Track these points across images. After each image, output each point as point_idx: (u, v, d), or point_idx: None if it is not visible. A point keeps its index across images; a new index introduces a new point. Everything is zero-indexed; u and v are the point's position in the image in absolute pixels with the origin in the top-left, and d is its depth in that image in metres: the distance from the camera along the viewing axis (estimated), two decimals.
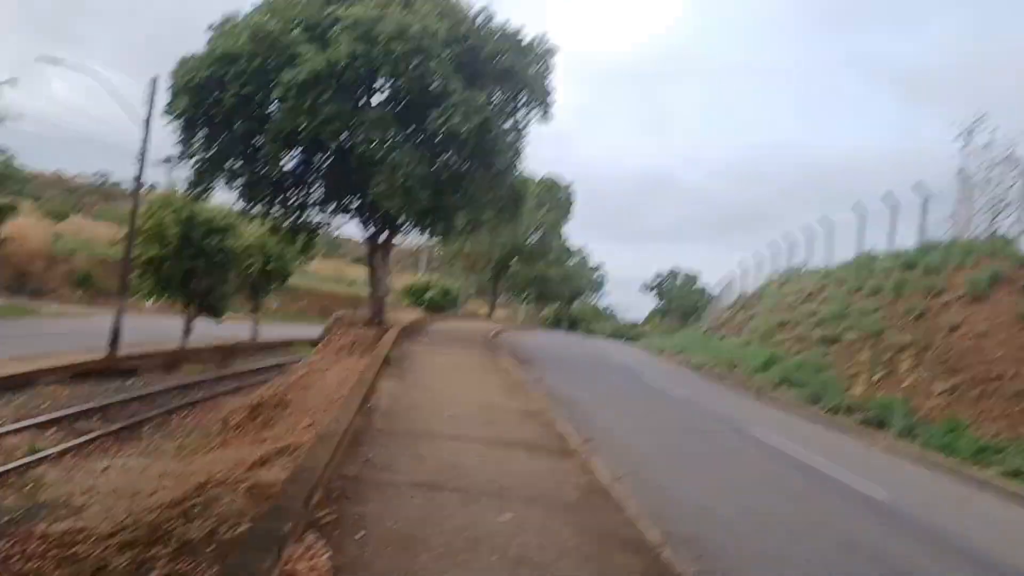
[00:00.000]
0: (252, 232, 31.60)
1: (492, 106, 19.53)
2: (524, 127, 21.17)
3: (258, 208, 21.33)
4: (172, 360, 27.54)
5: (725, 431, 13.41)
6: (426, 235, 24.96)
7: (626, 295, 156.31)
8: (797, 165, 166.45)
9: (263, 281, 38.47)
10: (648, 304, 78.33)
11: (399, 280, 76.73)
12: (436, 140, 19.51)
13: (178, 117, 19.32)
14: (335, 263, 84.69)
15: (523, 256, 53.07)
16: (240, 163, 19.94)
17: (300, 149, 19.91)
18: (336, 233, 23.94)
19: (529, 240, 52.20)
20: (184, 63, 19.06)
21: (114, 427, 16.20)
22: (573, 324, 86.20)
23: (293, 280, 67.97)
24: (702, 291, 64.44)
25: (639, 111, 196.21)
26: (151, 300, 29.72)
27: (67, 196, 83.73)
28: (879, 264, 26.44)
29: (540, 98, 20.37)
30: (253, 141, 19.44)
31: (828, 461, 11.45)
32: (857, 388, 19.20)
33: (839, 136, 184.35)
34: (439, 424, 9.20)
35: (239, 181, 20.29)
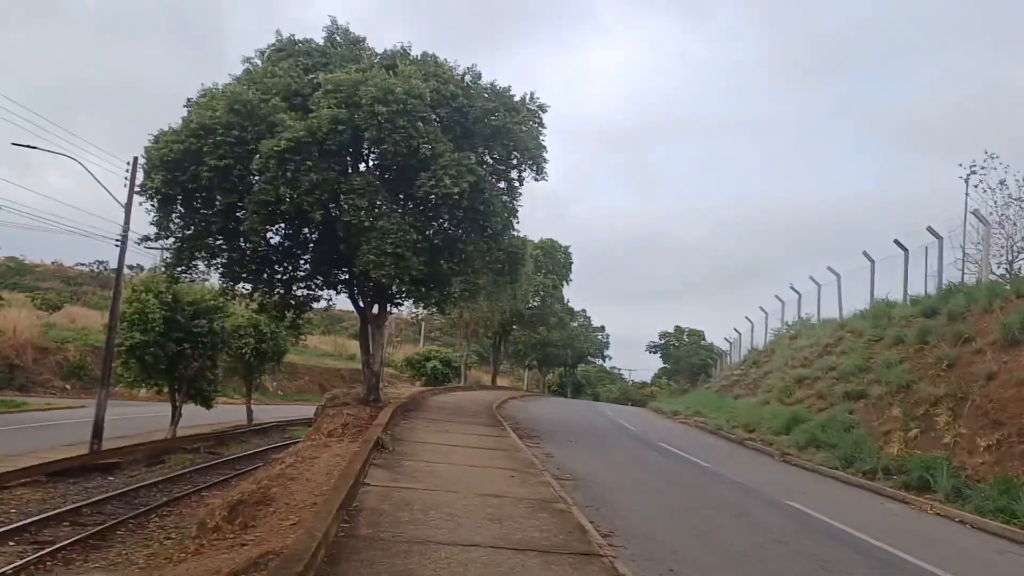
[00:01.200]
0: (243, 311, 30.55)
1: (484, 166, 18.62)
2: (518, 186, 20.24)
3: (242, 286, 20.25)
4: (158, 451, 26.03)
5: (762, 506, 11.96)
6: (420, 305, 23.83)
7: (628, 356, 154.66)
8: (791, 217, 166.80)
9: (257, 361, 37.19)
10: (653, 364, 76.78)
11: (400, 352, 75.42)
12: (426, 205, 18.57)
13: (154, 195, 18.37)
14: (334, 338, 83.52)
15: (524, 321, 51.84)
16: (220, 240, 18.92)
17: (283, 222, 18.87)
18: (327, 307, 22.63)
19: (530, 305, 51.05)
20: (159, 138, 18.22)
21: (83, 534, 14.71)
22: (578, 388, 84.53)
23: (291, 358, 66.87)
24: (709, 348, 62.98)
25: (630, 172, 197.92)
26: (136, 388, 28.31)
27: (66, 286, 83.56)
28: (897, 312, 25.23)
29: (533, 156, 19.47)
30: (235, 216, 18.44)
31: (887, 538, 10.00)
32: (892, 447, 17.71)
33: (832, 186, 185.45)
34: (435, 525, 7.84)
35: (221, 259, 19.25)
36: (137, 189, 18.86)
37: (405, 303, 22.67)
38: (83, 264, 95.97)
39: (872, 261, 31.11)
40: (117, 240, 25.64)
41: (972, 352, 18.22)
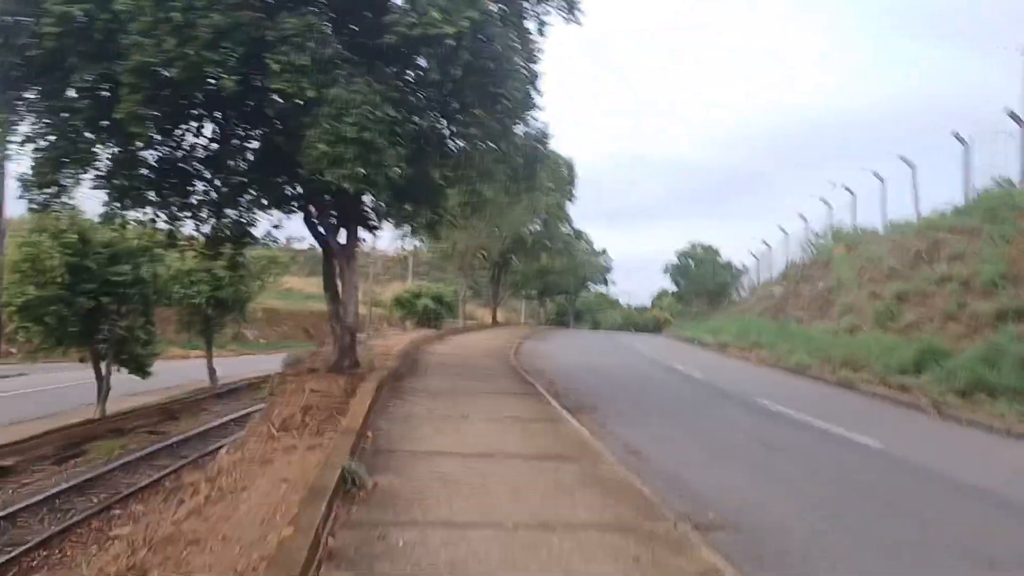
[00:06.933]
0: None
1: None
2: (537, 40, 13.65)
3: (145, 210, 13.80)
4: (78, 438, 19.90)
5: None
6: (407, 227, 17.54)
7: (625, 279, 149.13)
8: (787, 123, 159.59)
9: (216, 312, 30.90)
10: (650, 285, 71.01)
11: (387, 291, 69.09)
12: (404, 63, 12.04)
13: None
14: (319, 280, 77.09)
15: (526, 248, 45.37)
16: (93, 137, 12.37)
17: (187, 104, 12.29)
18: (270, 234, 16.10)
19: (531, 229, 44.53)
20: None
21: None
22: (579, 317, 78.77)
23: (271, 302, 60.60)
24: (727, 266, 56.79)
25: (608, 84, 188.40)
26: (38, 357, 21.94)
27: None
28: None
29: None
30: (109, 98, 11.84)
31: None
32: None
33: (835, 88, 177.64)
34: None
35: (96, 168, 12.73)
36: None
37: (383, 226, 16.22)
38: None
39: (964, 143, 24.97)
40: None
41: None
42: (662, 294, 76.46)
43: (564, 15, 13.06)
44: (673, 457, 9.21)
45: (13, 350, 32.76)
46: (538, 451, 8.52)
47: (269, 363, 34.61)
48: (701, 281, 55.60)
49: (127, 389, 25.46)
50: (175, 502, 8.82)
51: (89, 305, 20.26)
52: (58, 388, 27.95)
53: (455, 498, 6.40)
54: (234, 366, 38.26)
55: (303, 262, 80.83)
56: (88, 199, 14.86)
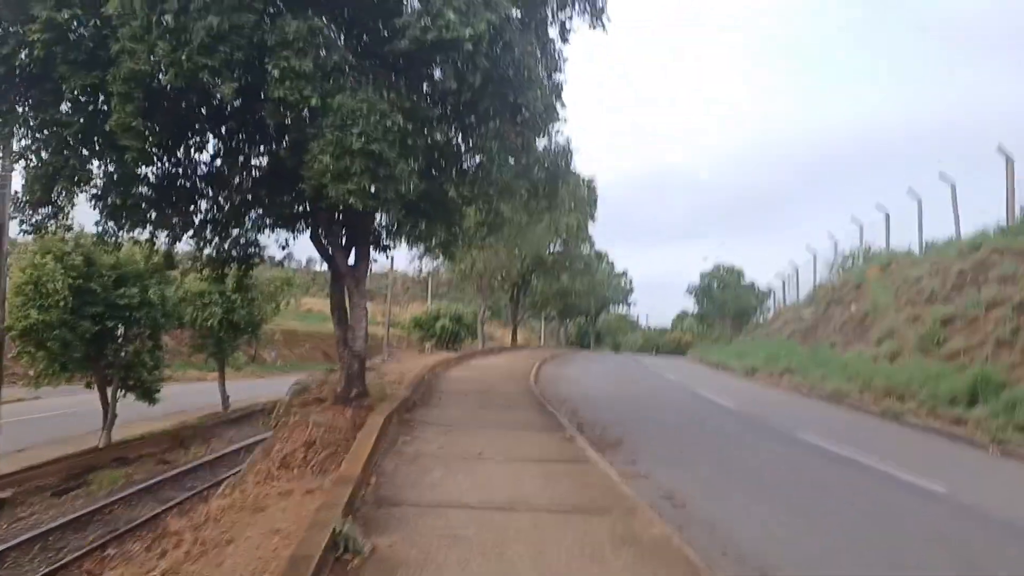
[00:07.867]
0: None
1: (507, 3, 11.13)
2: (560, 46, 12.80)
3: (138, 229, 13.00)
4: (81, 468, 19.09)
5: None
6: (419, 247, 16.65)
7: (646, 300, 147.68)
8: (810, 147, 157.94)
9: (229, 335, 30.15)
10: (670, 306, 69.66)
11: (407, 312, 68.34)
12: (416, 70, 11.20)
13: None
14: None
15: (546, 268, 44.41)
16: (85, 152, 11.60)
17: (186, 118, 11.50)
18: (284, 256, 15.33)
19: (551, 250, 43.56)
20: None
21: None
22: (599, 339, 77.61)
23: (289, 324, 60.01)
24: (751, 288, 55.56)
25: (620, 98, 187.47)
26: (42, 383, 21.18)
27: None
28: None
29: None
30: (101, 110, 11.08)
31: None
32: None
33: (850, 113, 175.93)
34: None
35: (91, 185, 11.95)
36: None
37: (395, 245, 15.33)
38: None
39: (1009, 158, 23.82)
40: None
41: None
42: (683, 316, 75.31)
43: (589, 21, 12.19)
44: (715, 504, 8.16)
45: (31, 372, 32.33)
46: (563, 501, 7.49)
47: (286, 386, 33.75)
48: (725, 303, 54.35)
49: (137, 415, 24.72)
50: (156, 555, 7.90)
51: (94, 329, 19.54)
52: (70, 413, 27.28)
53: (466, 567, 5.41)
54: (250, 389, 37.51)
55: (323, 284, 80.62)
56: (93, 219, 14.20)
